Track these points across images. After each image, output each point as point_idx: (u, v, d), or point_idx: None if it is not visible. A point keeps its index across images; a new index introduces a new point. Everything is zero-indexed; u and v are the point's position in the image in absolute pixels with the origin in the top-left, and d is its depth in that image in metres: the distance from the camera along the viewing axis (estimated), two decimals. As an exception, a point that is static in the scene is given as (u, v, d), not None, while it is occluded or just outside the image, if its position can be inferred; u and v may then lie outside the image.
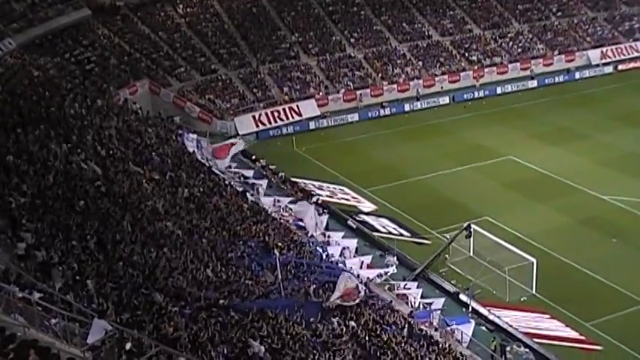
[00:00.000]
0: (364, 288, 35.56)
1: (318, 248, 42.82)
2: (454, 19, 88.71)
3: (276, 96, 74.58)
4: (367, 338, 31.33)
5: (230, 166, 57.37)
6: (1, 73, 51.50)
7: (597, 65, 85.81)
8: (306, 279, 35.62)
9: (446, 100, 77.49)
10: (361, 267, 42.89)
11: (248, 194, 49.32)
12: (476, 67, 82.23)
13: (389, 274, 43.07)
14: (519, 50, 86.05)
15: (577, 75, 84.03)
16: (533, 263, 42.71)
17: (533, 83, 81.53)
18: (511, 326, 39.59)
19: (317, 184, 56.96)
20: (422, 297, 41.03)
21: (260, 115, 71.45)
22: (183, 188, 42.63)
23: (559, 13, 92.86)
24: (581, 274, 44.68)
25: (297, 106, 73.36)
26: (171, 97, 70.16)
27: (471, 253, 45.80)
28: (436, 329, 37.37)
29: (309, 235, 45.94)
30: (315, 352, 27.94)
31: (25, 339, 18.63)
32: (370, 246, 47.81)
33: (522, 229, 49.31)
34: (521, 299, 42.37)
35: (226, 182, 50.03)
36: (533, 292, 42.57)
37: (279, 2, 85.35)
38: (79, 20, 73.17)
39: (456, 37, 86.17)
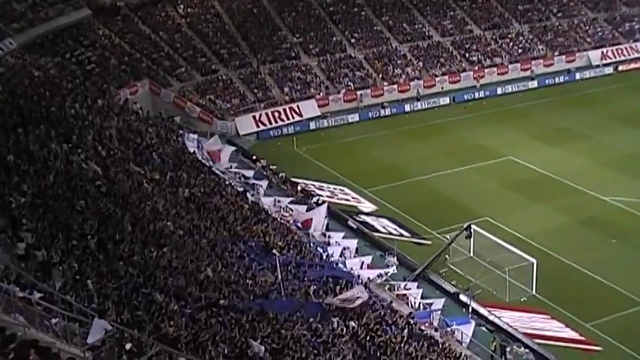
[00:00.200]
0: (368, 297, 35.41)
1: (318, 248, 42.82)
2: (454, 19, 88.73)
3: (277, 96, 74.61)
4: (367, 338, 31.33)
5: (230, 167, 57.34)
6: (1, 73, 51.55)
7: (597, 66, 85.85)
8: (306, 279, 35.64)
9: (446, 100, 77.50)
10: (361, 267, 42.87)
11: (248, 194, 49.33)
12: (476, 68, 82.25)
13: (389, 274, 43.08)
14: (520, 51, 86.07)
15: (577, 76, 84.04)
16: (533, 264, 42.74)
17: (534, 84, 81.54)
18: (511, 327, 39.63)
19: (317, 184, 57.00)
20: (422, 297, 41.03)
21: (260, 115, 71.48)
22: (184, 188, 42.64)
23: (559, 14, 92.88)
24: (581, 274, 44.72)
25: (298, 106, 73.39)
26: (171, 98, 70.18)
27: (471, 254, 45.82)
28: (436, 329, 37.36)
29: (311, 234, 45.98)
30: (315, 352, 27.94)
31: (25, 339, 18.67)
32: (370, 246, 47.83)
33: (522, 229, 49.34)
34: (521, 300, 42.40)
35: (227, 182, 50.05)
36: (533, 292, 42.60)
37: (280, 3, 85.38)
38: (79, 20, 73.26)
39: (456, 38, 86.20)
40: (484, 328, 39.71)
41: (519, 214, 52.09)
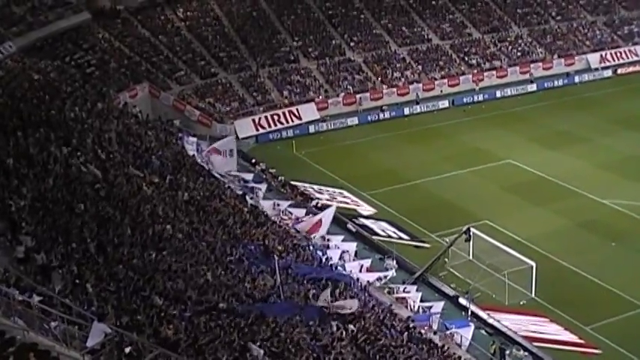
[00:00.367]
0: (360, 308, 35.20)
1: (317, 252, 42.82)
2: (453, 22, 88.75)
3: (276, 99, 74.64)
4: (367, 342, 31.34)
5: (230, 170, 57.34)
6: (1, 77, 51.55)
7: (597, 69, 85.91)
8: (305, 282, 35.66)
9: (445, 103, 77.52)
10: (361, 270, 42.90)
11: (248, 198, 49.33)
12: (475, 71, 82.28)
13: (388, 277, 43.16)
14: (519, 54, 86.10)
15: (576, 79, 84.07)
16: (532, 267, 42.78)
17: (533, 87, 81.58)
18: (510, 330, 39.66)
19: (316, 187, 57.00)
20: (421, 300, 41.06)
21: (260, 118, 71.50)
22: (183, 191, 42.63)
23: (558, 17, 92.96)
24: (581, 277, 44.77)
25: (297, 109, 73.38)
26: (171, 101, 70.17)
27: (471, 257, 45.86)
28: (435, 333, 37.43)
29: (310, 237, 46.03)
30: (314, 355, 27.94)
31: (24, 342, 18.68)
32: (370, 249, 47.84)
33: (521, 232, 49.37)
34: (521, 303, 42.42)
35: (226, 185, 50.05)
36: (533, 295, 42.63)
37: (279, 6, 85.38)
38: (79, 24, 73.23)
39: (455, 41, 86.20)
40: (483, 332, 39.76)
41: (518, 217, 52.12)
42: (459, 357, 34.99)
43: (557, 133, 67.72)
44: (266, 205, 49.72)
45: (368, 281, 41.13)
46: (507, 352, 37.31)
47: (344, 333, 31.28)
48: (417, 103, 76.83)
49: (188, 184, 44.67)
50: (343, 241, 47.05)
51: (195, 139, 59.97)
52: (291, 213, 49.97)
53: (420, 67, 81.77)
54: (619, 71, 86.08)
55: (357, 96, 76.36)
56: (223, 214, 41.95)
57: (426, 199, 55.74)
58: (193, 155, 54.53)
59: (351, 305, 33.60)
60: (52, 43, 68.35)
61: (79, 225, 30.86)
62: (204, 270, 32.20)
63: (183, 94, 71.68)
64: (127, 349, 19.83)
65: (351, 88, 77.44)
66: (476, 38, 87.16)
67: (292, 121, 72.46)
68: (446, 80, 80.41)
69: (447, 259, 45.82)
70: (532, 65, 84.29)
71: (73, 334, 19.79)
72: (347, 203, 54.63)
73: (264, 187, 53.99)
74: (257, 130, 70.59)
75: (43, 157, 36.50)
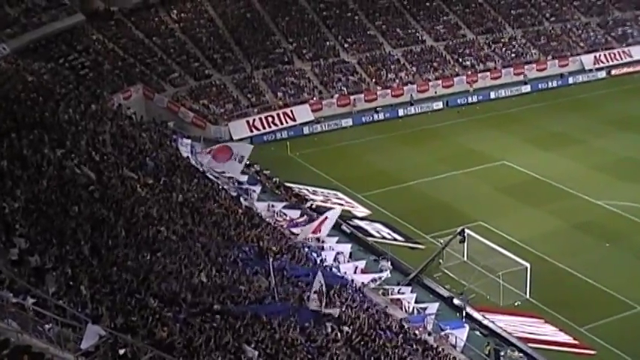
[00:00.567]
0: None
1: (312, 253, 42.79)
2: (448, 24, 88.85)
3: (270, 101, 74.64)
4: (361, 343, 31.32)
5: (224, 171, 57.24)
6: (-5, 78, 51.48)
7: (590, 70, 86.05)
8: (299, 283, 35.63)
9: (440, 105, 77.58)
10: (355, 272, 42.85)
11: (242, 199, 49.29)
12: (469, 72, 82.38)
13: (383, 278, 43.11)
14: (513, 55, 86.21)
15: (570, 80, 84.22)
16: (527, 268, 42.83)
17: (527, 88, 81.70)
18: (505, 331, 39.67)
19: (311, 189, 56.99)
20: (416, 302, 41.05)
21: (254, 120, 71.51)
22: (178, 193, 42.57)
23: (552, 19, 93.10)
24: (575, 278, 44.82)
25: (292, 111, 73.41)
26: (165, 103, 70.13)
27: (465, 258, 45.89)
28: (430, 334, 37.42)
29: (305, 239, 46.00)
30: (309, 357, 27.92)
31: (18, 344, 18.60)
32: (364, 251, 47.81)
33: (516, 233, 49.42)
34: (515, 304, 42.45)
35: (220, 187, 49.99)
36: (527, 296, 42.68)
37: (273, 7, 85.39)
38: (72, 25, 73.11)
39: (449, 42, 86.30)
40: (478, 333, 39.76)
41: (513, 218, 52.17)
42: (454, 358, 35.00)
43: (552, 134, 67.80)
44: (260, 207, 49.68)
45: (362, 283, 41.10)
46: (502, 353, 37.32)
47: (339, 334, 31.26)
48: (412, 105, 76.91)
49: (182, 185, 44.61)
50: (338, 242, 46.97)
51: (189, 141, 59.91)
52: (285, 214, 49.96)
53: (414, 68, 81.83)
54: (613, 72, 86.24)
55: (352, 97, 76.43)
56: (218, 215, 41.90)
57: (421, 200, 55.77)
58: (187, 157, 54.47)
59: (332, 311, 33.57)
60: (46, 44, 68.26)
61: (73, 227, 30.78)
62: (199, 271, 32.15)
63: (177, 96, 71.68)
64: (122, 351, 19.75)
65: (345, 89, 77.49)
66: (470, 39, 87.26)
67: (286, 122, 72.48)
68: (440, 81, 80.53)
69: (441, 261, 45.85)
70: (526, 66, 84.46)
71: (68, 337, 19.71)
72: (341, 205, 54.52)
73: (258, 188, 53.94)
74: (251, 131, 70.58)
75: (37, 159, 36.40)
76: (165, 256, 32.34)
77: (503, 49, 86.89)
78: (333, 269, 41.19)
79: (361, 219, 52.69)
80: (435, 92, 79.51)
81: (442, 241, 46.54)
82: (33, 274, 25.17)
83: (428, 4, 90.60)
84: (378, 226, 51.57)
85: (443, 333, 38.09)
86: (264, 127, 71.37)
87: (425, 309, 40.29)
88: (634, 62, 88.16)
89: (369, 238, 49.49)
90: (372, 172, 61.07)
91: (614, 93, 79.44)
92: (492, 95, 79.86)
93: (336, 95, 76.50)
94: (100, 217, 33.14)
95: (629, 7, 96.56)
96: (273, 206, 50.56)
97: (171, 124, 67.14)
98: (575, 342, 39.13)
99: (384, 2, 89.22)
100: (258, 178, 57.84)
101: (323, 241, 46.48)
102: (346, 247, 46.27)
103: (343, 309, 34.20)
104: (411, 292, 42.22)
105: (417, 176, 59.52)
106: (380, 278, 42.99)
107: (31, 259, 26.11)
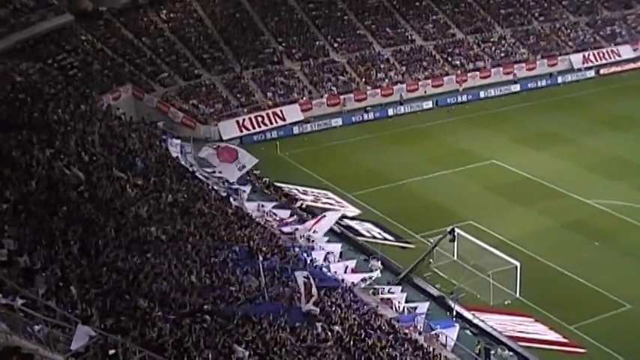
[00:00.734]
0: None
1: (303, 253, 42.74)
2: (437, 23, 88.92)
3: (260, 101, 74.57)
4: (352, 343, 31.31)
5: (214, 171, 57.17)
6: (-17, 79, 51.31)
7: (579, 69, 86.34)
8: (290, 283, 35.58)
9: (429, 104, 77.69)
10: (345, 271, 42.84)
11: (232, 199, 49.23)
12: (459, 72, 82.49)
13: (373, 278, 43.10)
14: (502, 54, 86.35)
15: (559, 79, 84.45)
16: (516, 267, 42.88)
17: (516, 87, 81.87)
18: (495, 330, 39.70)
19: (301, 188, 56.96)
20: (406, 301, 41.05)
21: (244, 120, 71.43)
22: (167, 193, 42.48)
23: (541, 18, 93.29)
24: (565, 277, 44.93)
25: (281, 110, 73.37)
26: (154, 103, 69.99)
27: (455, 257, 45.93)
28: (420, 333, 37.40)
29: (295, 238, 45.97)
30: (299, 356, 27.90)
31: (7, 345, 18.53)
32: (354, 250, 47.79)
33: (506, 232, 49.50)
34: (505, 303, 42.50)
35: (210, 187, 49.92)
36: (517, 295, 42.73)
37: (263, 7, 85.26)
38: (61, 25, 72.80)
39: (439, 42, 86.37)
40: (468, 332, 39.79)
41: (503, 217, 52.25)
42: (445, 357, 35.01)
43: (541, 133, 67.96)
44: (250, 207, 49.64)
45: (353, 282, 41.09)
46: (492, 352, 37.34)
47: (329, 334, 31.23)
48: (401, 104, 76.96)
49: (172, 186, 44.52)
50: (328, 242, 46.96)
51: (179, 141, 59.87)
52: (275, 214, 49.94)
53: (403, 67, 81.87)
54: (602, 71, 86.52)
55: (341, 97, 76.44)
56: (208, 216, 41.83)
57: (411, 199, 55.81)
58: (177, 157, 54.39)
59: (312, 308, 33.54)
60: (35, 44, 67.97)
61: (63, 227, 30.68)
62: (189, 272, 32.09)
63: (166, 96, 71.54)
64: (112, 352, 19.69)
65: (335, 89, 77.47)
66: (459, 39, 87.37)
67: (276, 122, 72.45)
68: (430, 81, 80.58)
69: (431, 260, 45.88)
70: (515, 66, 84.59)
71: (57, 338, 19.65)
72: (331, 204, 54.56)
73: (248, 188, 53.82)
74: (241, 131, 70.50)
75: (26, 159, 36.29)
76: (155, 256, 32.27)
77: (493, 48, 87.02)
78: (324, 269, 41.16)
79: (351, 218, 52.65)
80: (425, 92, 79.59)
81: (432, 240, 46.56)
82: (22, 275, 25.08)
83: (417, 3, 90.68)
84: (369, 225, 51.56)
85: (433, 332, 38.09)
86: (253, 127, 71.30)
87: (415, 308, 40.31)
88: (622, 61, 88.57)
89: (360, 238, 49.48)
90: (362, 171, 61.10)
91: (603, 92, 79.66)
92: (482, 94, 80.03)
93: (326, 95, 76.49)
94: (90, 218, 33.04)
95: (618, 7, 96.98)
96: (263, 206, 50.52)
97: (160, 124, 67.06)
98: (565, 340, 39.21)
99: (373, 2, 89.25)
100: (248, 177, 57.71)
101: (313, 241, 46.46)
102: (336, 247, 46.24)
103: (333, 309, 34.23)
104: (402, 291, 42.22)
105: (407, 176, 59.56)
106: (370, 278, 42.99)
107: (20, 260, 26.02)
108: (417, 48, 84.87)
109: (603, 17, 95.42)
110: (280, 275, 36.39)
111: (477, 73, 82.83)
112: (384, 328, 34.91)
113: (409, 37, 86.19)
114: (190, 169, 52.69)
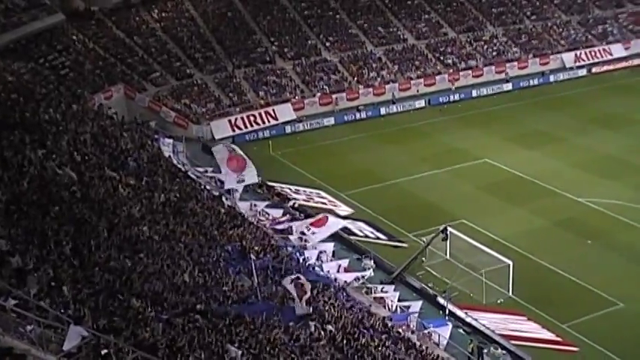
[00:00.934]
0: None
1: (296, 253, 42.73)
2: (429, 22, 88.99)
3: (252, 100, 74.51)
4: (345, 342, 31.31)
5: (206, 171, 57.16)
6: (-26, 79, 51.15)
7: (571, 68, 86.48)
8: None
9: (422, 103, 77.71)
10: (338, 270, 42.87)
11: (224, 199, 49.20)
12: (451, 71, 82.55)
13: (366, 277, 43.14)
14: (494, 53, 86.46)
15: (551, 78, 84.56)
16: (509, 265, 42.89)
17: (509, 86, 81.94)
18: (488, 328, 39.72)
19: (293, 188, 56.91)
20: (399, 300, 41.13)
21: (236, 119, 71.36)
22: (160, 193, 42.44)
23: (533, 17, 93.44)
24: (557, 275, 44.97)
25: (273, 110, 73.33)
26: (146, 102, 69.88)
27: (448, 256, 45.95)
28: (413, 332, 37.45)
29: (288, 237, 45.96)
30: (293, 356, 27.89)
31: (0, 346, 18.48)
32: (347, 250, 47.78)
33: (498, 231, 49.53)
34: (498, 301, 42.54)
35: (202, 187, 49.89)
36: (510, 294, 42.77)
37: (255, 7, 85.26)
38: (53, 25, 72.63)
39: (431, 41, 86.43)
40: (461, 330, 39.82)
41: (495, 216, 52.29)
42: (437, 356, 35.02)
43: (533, 132, 68.03)
44: (243, 206, 49.65)
45: (345, 281, 41.12)
46: (485, 350, 37.35)
47: (322, 333, 31.23)
48: (394, 103, 76.98)
49: (164, 185, 44.49)
50: (320, 241, 46.96)
51: (171, 141, 59.83)
52: (268, 213, 49.95)
53: (396, 66, 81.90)
54: (593, 70, 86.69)
55: (334, 96, 76.43)
56: (200, 215, 41.81)
57: (403, 198, 55.81)
58: (169, 157, 54.34)
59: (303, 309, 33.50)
60: (26, 44, 67.80)
61: (55, 227, 30.61)
62: (182, 271, 32.07)
63: (158, 96, 71.43)
64: (104, 352, 19.66)
65: (327, 88, 77.47)
66: (451, 38, 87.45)
67: (268, 121, 72.39)
68: (422, 80, 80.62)
69: (424, 259, 45.91)
70: (507, 65, 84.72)
71: (50, 338, 19.62)
72: (324, 204, 54.55)
73: (240, 187, 53.78)
74: (233, 130, 70.44)
75: (18, 159, 36.20)
76: (147, 256, 32.25)
77: (485, 47, 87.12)
78: (316, 268, 41.16)
79: (344, 218, 52.62)
80: (417, 91, 79.63)
81: (425, 239, 46.56)
82: (14, 276, 25.02)
83: (409, 2, 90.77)
84: (361, 224, 51.51)
85: (426, 331, 38.15)
86: (246, 127, 71.24)
87: (408, 307, 40.37)
88: (614, 60, 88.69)
89: (352, 237, 49.44)
90: (354, 170, 61.08)
91: (595, 91, 79.81)
92: (474, 93, 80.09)
93: (318, 94, 76.47)
94: (82, 218, 32.99)
95: (610, 5, 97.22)
96: (255, 205, 50.55)
97: (152, 123, 66.95)
98: (558, 339, 39.23)
99: (365, 1, 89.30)
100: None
101: (306, 240, 46.47)
102: (329, 246, 46.27)
103: (326, 308, 34.23)
104: (394, 290, 42.28)
105: (400, 174, 59.57)
106: (363, 277, 43.03)
107: (12, 260, 25.95)
108: (409, 47, 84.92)
109: (595, 16, 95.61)
110: (273, 275, 36.41)
111: (469, 72, 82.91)
112: (377, 327, 34.92)
113: (401, 36, 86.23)
114: (183, 169, 52.66)
